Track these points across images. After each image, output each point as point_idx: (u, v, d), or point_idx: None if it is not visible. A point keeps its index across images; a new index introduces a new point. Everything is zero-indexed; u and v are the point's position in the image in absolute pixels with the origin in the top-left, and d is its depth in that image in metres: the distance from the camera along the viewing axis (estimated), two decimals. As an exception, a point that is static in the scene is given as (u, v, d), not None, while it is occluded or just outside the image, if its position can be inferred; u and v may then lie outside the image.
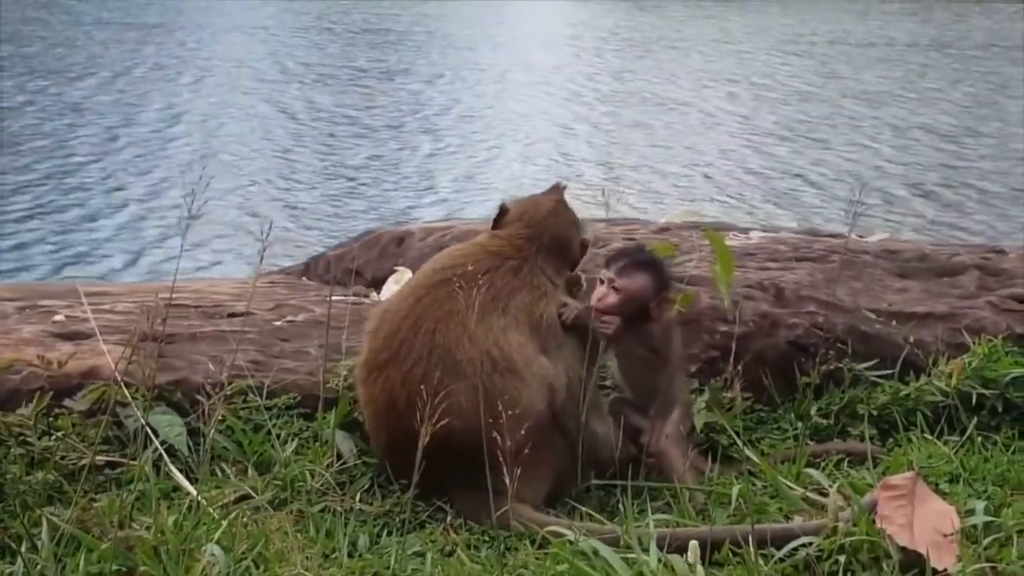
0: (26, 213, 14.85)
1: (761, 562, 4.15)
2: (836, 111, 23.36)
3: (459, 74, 27.49)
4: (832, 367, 5.53)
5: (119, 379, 4.60)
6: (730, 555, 4.23)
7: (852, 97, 25.11)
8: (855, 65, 29.97)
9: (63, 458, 4.50)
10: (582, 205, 5.57)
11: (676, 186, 17.39)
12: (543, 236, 4.94)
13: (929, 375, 5.56)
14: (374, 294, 6.30)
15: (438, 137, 20.51)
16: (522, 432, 4.24)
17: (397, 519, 4.53)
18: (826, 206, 15.98)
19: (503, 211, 5.06)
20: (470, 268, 4.71)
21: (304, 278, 7.05)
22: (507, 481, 3.85)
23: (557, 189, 5.13)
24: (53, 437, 4.55)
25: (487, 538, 4.49)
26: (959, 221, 15.57)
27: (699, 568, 3.98)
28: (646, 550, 4.12)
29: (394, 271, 6.43)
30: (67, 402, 4.72)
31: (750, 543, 4.16)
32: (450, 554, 4.37)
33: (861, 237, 6.93)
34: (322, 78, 25.78)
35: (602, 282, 4.93)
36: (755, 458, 5.02)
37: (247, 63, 27.57)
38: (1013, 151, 19.88)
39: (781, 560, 4.20)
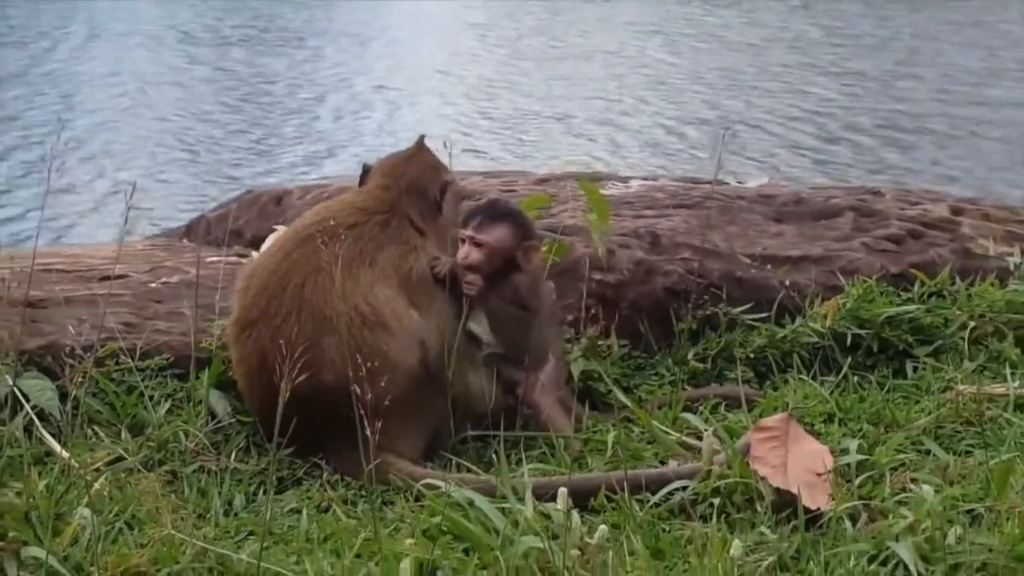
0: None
1: (636, 507, 4.18)
2: (764, 60, 23.28)
3: (372, 28, 27.13)
4: (708, 312, 5.56)
5: (-16, 344, 4.54)
6: (606, 502, 4.26)
7: (777, 42, 25.07)
8: (777, 13, 29.91)
9: (-70, 425, 4.43)
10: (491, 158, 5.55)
11: (578, 135, 17.29)
12: (401, 183, 4.93)
13: (804, 317, 5.60)
14: (254, 254, 6.23)
15: (354, 93, 20.23)
16: (392, 385, 4.22)
17: (272, 477, 4.50)
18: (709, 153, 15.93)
19: (366, 171, 5.06)
20: (335, 223, 4.69)
21: (185, 240, 6.98)
22: (373, 434, 3.83)
23: (419, 141, 5.12)
24: (-81, 404, 4.48)
25: (363, 493, 4.48)
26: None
27: (573, 515, 4.00)
28: (521, 499, 4.14)
29: (273, 230, 6.37)
30: (-69, 369, 4.64)
31: (624, 489, 4.19)
32: (326, 510, 4.36)
33: (740, 183, 6.96)
34: (238, 41, 25.37)
35: (463, 241, 4.93)
36: (630, 404, 5.04)
37: (160, 26, 27.08)
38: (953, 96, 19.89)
39: (656, 505, 4.24)
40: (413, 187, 4.94)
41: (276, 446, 4.50)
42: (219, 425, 4.74)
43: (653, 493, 4.27)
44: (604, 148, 16.40)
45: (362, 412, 3.95)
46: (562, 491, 3.97)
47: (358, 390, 3.98)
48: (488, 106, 19.25)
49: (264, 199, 6.92)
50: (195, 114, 18.51)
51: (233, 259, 6.01)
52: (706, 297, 5.58)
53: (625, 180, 6.81)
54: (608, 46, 24.68)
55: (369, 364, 4.18)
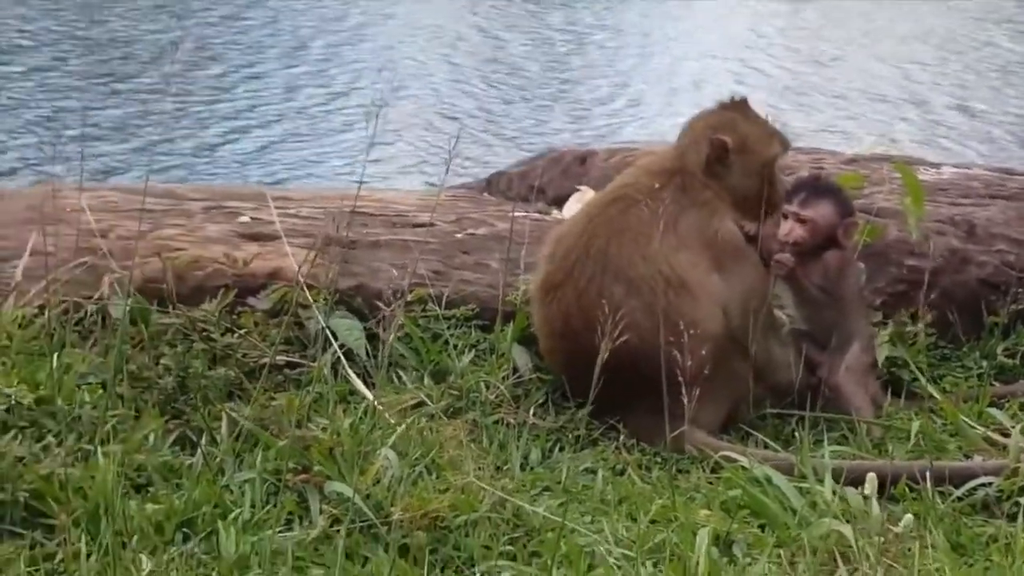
0: (223, 118, 14.89)
1: (938, 500, 4.09)
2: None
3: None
4: (1022, 307, 5.39)
5: (302, 281, 4.64)
6: (907, 491, 4.18)
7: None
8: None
9: (244, 356, 4.56)
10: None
11: (893, 117, 16.81)
12: (688, 145, 4.87)
13: (1125, 318, 5.40)
14: (556, 212, 6.26)
15: (673, 60, 19.96)
16: (697, 352, 4.19)
17: (570, 435, 4.53)
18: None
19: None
20: (637, 189, 4.72)
21: (485, 193, 7.03)
22: (685, 402, 3.83)
23: (725, 100, 5.03)
24: (236, 335, 4.61)
25: (659, 459, 4.48)
26: None
27: (874, 502, 3.94)
28: (820, 481, 4.09)
29: (576, 190, 6.38)
30: (251, 300, 4.76)
31: (927, 480, 4.11)
32: (621, 473, 4.37)
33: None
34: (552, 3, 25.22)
35: (786, 216, 4.88)
36: (937, 395, 4.93)
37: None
38: None
39: (959, 499, 4.15)
40: (696, 148, 4.86)
41: (580, 405, 4.54)
42: (520, 379, 4.77)
43: (956, 487, 4.19)
44: (919, 131, 15.93)
45: (670, 379, 3.96)
46: (871, 476, 3.91)
47: (665, 354, 3.99)
48: (810, 81, 18.85)
49: (568, 159, 6.91)
50: (509, 71, 18.52)
51: (536, 216, 6.03)
52: (1021, 291, 5.41)
53: (936, 166, 6.63)
54: (938, 31, 23.85)
55: (676, 329, 4.19)
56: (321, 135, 14.39)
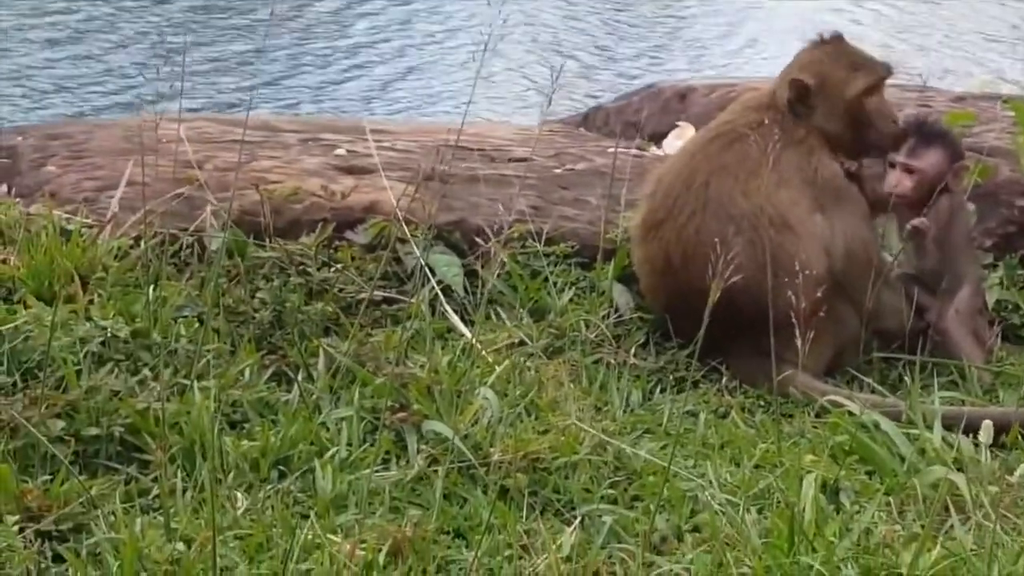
0: (341, 55, 14.77)
1: (1052, 450, 4.00)
2: None
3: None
4: None
5: (400, 215, 4.57)
6: (1020, 439, 4.07)
7: None
8: None
9: (341, 291, 4.49)
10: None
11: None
12: (784, 86, 4.73)
13: None
14: (654, 148, 6.17)
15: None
16: (801, 292, 4.09)
17: (671, 376, 4.45)
18: None
19: None
20: (737, 125, 4.65)
21: (581, 129, 6.94)
22: (796, 344, 3.73)
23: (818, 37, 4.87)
24: (332, 269, 4.54)
25: (762, 402, 4.39)
26: None
27: (985, 450, 3.83)
28: (930, 427, 3.99)
29: (676, 126, 6.29)
30: (349, 234, 4.70)
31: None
32: (724, 416, 4.29)
33: None
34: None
35: (893, 166, 4.74)
36: (1049, 339, 4.81)
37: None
38: None
39: (1073, 449, 4.04)
40: (783, 88, 4.73)
41: (682, 345, 4.45)
42: (620, 319, 4.68)
43: (1071, 436, 4.08)
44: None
45: (777, 319, 3.87)
46: (987, 424, 3.79)
47: (770, 293, 3.90)
48: (926, 19, 18.43)
49: (667, 94, 6.80)
50: (622, 7, 18.25)
51: (636, 152, 5.94)
52: None
53: (1048, 105, 6.46)
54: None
55: (779, 267, 4.11)
56: (439, 72, 14.24)
